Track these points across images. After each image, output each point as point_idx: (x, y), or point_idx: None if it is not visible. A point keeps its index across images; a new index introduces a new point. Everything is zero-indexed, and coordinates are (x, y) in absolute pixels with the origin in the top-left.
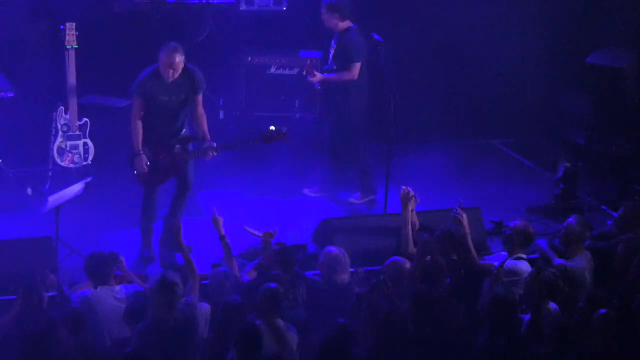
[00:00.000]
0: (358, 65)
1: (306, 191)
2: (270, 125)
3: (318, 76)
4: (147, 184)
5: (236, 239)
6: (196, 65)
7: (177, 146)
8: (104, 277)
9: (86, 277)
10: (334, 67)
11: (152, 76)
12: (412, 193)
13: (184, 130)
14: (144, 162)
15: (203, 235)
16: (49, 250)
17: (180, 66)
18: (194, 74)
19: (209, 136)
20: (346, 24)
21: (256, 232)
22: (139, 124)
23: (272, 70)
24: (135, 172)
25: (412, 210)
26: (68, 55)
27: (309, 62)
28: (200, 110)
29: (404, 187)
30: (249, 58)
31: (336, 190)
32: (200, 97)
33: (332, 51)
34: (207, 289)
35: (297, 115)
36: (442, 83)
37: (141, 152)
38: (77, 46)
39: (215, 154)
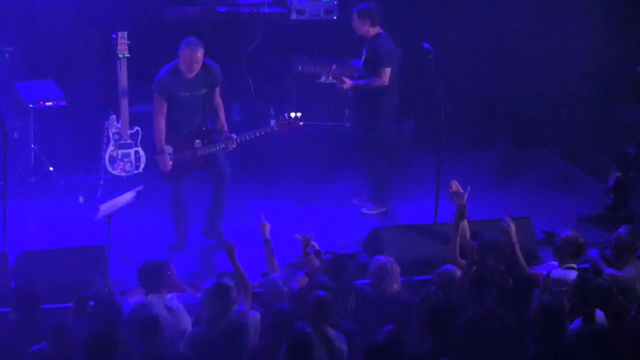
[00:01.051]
0: (388, 71)
1: (355, 200)
2: (285, 114)
3: (348, 83)
4: (169, 180)
5: (286, 247)
6: (247, 74)
7: (197, 141)
8: (157, 285)
9: (139, 285)
10: (364, 74)
11: (171, 73)
12: (462, 190)
13: (204, 126)
14: (167, 160)
15: (252, 244)
16: (101, 258)
17: (201, 61)
18: (212, 68)
19: (226, 127)
20: (376, 30)
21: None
22: (163, 122)
23: (323, 79)
24: (157, 170)
25: (463, 222)
26: (120, 64)
27: (333, 67)
28: (218, 100)
29: (453, 182)
30: (300, 67)
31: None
32: (218, 90)
33: (362, 59)
34: (262, 297)
35: (347, 124)
36: (493, 92)
37: (164, 150)
38: (128, 55)
39: (234, 145)
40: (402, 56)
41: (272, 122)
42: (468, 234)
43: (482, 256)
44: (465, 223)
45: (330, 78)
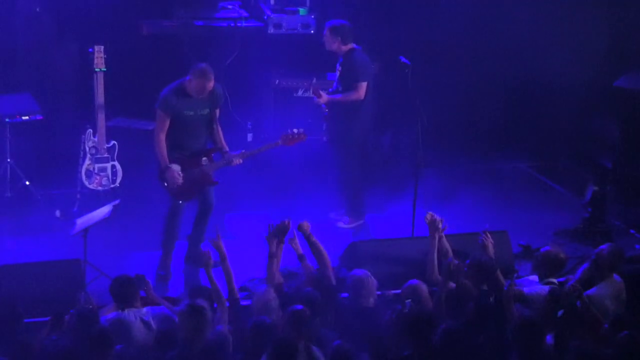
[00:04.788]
0: (364, 85)
1: (332, 214)
2: (289, 129)
3: (324, 97)
4: (178, 198)
5: (259, 261)
6: (224, 87)
7: (204, 159)
8: (129, 299)
9: (112, 299)
10: (340, 89)
11: (176, 91)
12: (438, 218)
13: (207, 143)
14: (176, 172)
15: (230, 256)
16: (77, 272)
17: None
18: (216, 88)
19: (226, 147)
20: (349, 46)
21: (297, 247)
22: (163, 138)
23: (300, 93)
24: (166, 185)
25: (441, 237)
26: (96, 78)
27: (314, 81)
28: (217, 123)
29: (429, 213)
30: (277, 81)
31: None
32: (217, 112)
33: (337, 73)
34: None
35: (324, 138)
36: (469, 106)
37: (170, 165)
38: (105, 69)
39: (240, 160)
40: (380, 70)
41: (279, 138)
42: (450, 252)
43: (467, 275)
44: (444, 241)
45: (310, 92)
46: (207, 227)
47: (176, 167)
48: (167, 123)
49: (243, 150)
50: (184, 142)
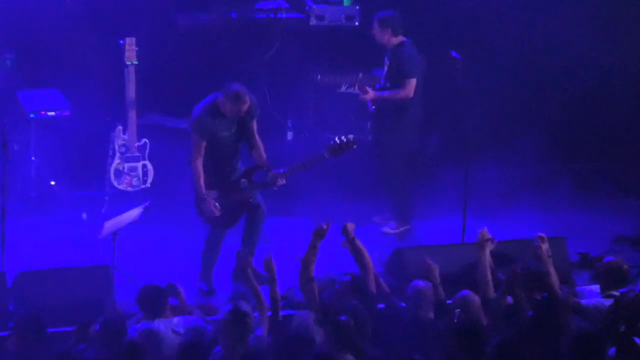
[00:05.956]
0: (413, 81)
1: (376, 219)
2: (335, 137)
3: (371, 94)
4: (220, 227)
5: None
6: (264, 83)
7: (243, 180)
8: (157, 309)
9: (139, 310)
10: (388, 85)
11: (211, 112)
12: (489, 235)
13: (239, 162)
14: (212, 204)
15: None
16: (106, 279)
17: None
18: (250, 101)
19: (269, 164)
20: (399, 38)
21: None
22: (201, 164)
23: (343, 89)
24: (204, 217)
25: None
26: (128, 72)
27: (360, 76)
28: (257, 136)
29: (481, 231)
30: (319, 76)
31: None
32: (255, 124)
33: (385, 68)
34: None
35: (369, 138)
36: (524, 103)
37: (206, 195)
38: (137, 62)
39: (284, 181)
40: (428, 65)
41: (325, 150)
42: (492, 265)
43: (516, 287)
44: (488, 256)
45: (355, 88)
46: (259, 239)
47: (213, 195)
48: (204, 147)
49: (287, 168)
50: (220, 165)
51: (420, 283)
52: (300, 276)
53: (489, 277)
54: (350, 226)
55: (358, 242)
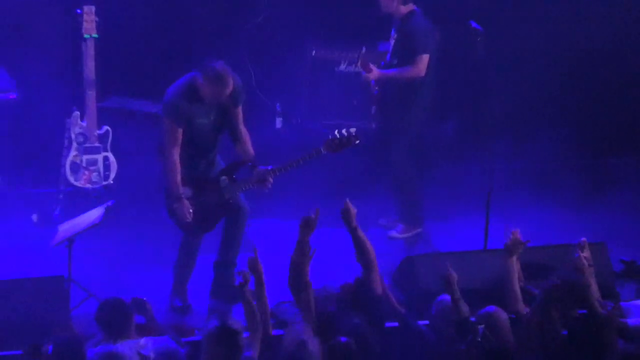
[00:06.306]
0: (425, 58)
1: (383, 221)
2: (335, 131)
3: (375, 72)
4: (194, 233)
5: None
6: (247, 59)
7: (223, 178)
8: (121, 329)
9: (99, 329)
10: (395, 62)
11: (187, 95)
12: (521, 239)
13: (217, 156)
14: (187, 208)
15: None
16: (60, 293)
17: None
18: (235, 84)
19: (255, 158)
20: (409, 7)
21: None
22: (177, 156)
23: (343, 67)
24: (176, 220)
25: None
26: (86, 47)
27: (362, 51)
28: (242, 127)
29: (514, 232)
30: (314, 51)
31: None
32: (240, 111)
33: (391, 42)
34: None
35: (373, 125)
36: (560, 84)
37: (182, 195)
38: (97, 36)
39: (271, 181)
40: (443, 38)
41: (322, 145)
42: (521, 277)
43: (551, 304)
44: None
45: (357, 65)
46: (240, 247)
47: (186, 194)
48: (180, 135)
49: (276, 166)
50: (194, 158)
51: (448, 298)
52: (291, 281)
53: (518, 289)
54: (352, 210)
55: (361, 233)
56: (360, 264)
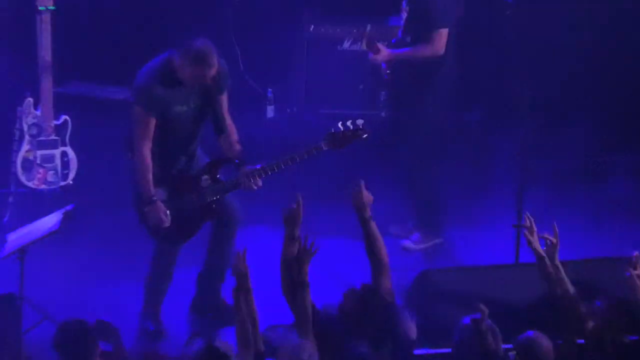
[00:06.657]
0: (444, 33)
1: (395, 229)
2: (338, 123)
3: (384, 52)
4: (168, 241)
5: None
6: (233, 36)
7: (205, 177)
8: (83, 356)
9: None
10: (408, 40)
11: (162, 77)
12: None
13: (198, 149)
14: (162, 211)
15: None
16: (10, 314)
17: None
18: (219, 67)
19: (242, 154)
20: None
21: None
22: (148, 150)
23: (346, 45)
24: (148, 227)
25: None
26: (41, 22)
27: (368, 28)
28: (227, 117)
29: (527, 215)
30: (312, 27)
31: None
32: (225, 99)
33: (403, 16)
34: None
35: (383, 114)
36: (599, 70)
37: (155, 197)
38: (54, 7)
39: (260, 182)
40: (466, 10)
41: (322, 140)
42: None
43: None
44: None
45: (362, 44)
46: (229, 259)
47: (160, 195)
48: (153, 126)
49: (266, 164)
50: (172, 151)
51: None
52: (284, 285)
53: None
54: (367, 197)
55: (374, 227)
56: (371, 266)
